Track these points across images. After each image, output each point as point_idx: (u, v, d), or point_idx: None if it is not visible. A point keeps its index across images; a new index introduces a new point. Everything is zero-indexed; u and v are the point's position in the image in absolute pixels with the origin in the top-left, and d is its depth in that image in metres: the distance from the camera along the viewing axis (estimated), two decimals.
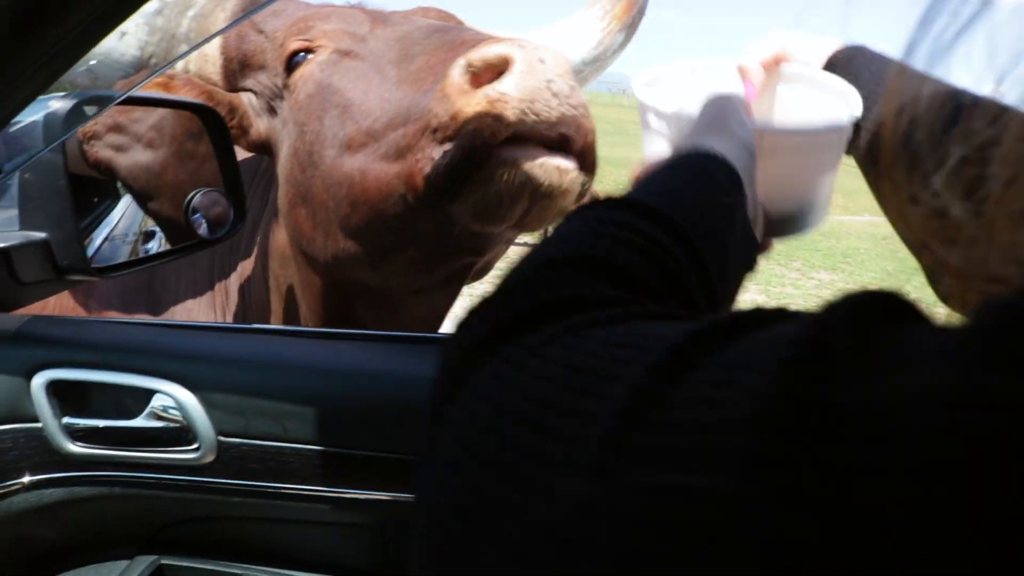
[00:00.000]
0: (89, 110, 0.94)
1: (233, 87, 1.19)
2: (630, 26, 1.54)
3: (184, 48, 1.13)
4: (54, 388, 0.92)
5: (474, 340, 0.31)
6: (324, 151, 1.02)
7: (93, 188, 1.17)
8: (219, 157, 1.12)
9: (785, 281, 6.61)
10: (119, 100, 0.94)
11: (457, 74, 0.87)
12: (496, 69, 0.86)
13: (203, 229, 1.16)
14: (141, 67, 1.15)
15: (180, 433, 0.91)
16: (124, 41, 1.15)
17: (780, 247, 0.90)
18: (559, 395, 0.25)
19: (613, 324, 0.28)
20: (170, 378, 0.90)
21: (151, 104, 1.09)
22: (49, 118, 0.91)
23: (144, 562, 1.02)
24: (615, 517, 0.20)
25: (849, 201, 10.97)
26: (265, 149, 1.21)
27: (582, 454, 0.22)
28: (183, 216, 1.13)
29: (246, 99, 1.18)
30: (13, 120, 0.78)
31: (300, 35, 1.10)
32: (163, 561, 1.02)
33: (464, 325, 0.33)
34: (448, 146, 0.87)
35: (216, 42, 1.15)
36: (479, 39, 0.93)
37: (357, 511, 0.93)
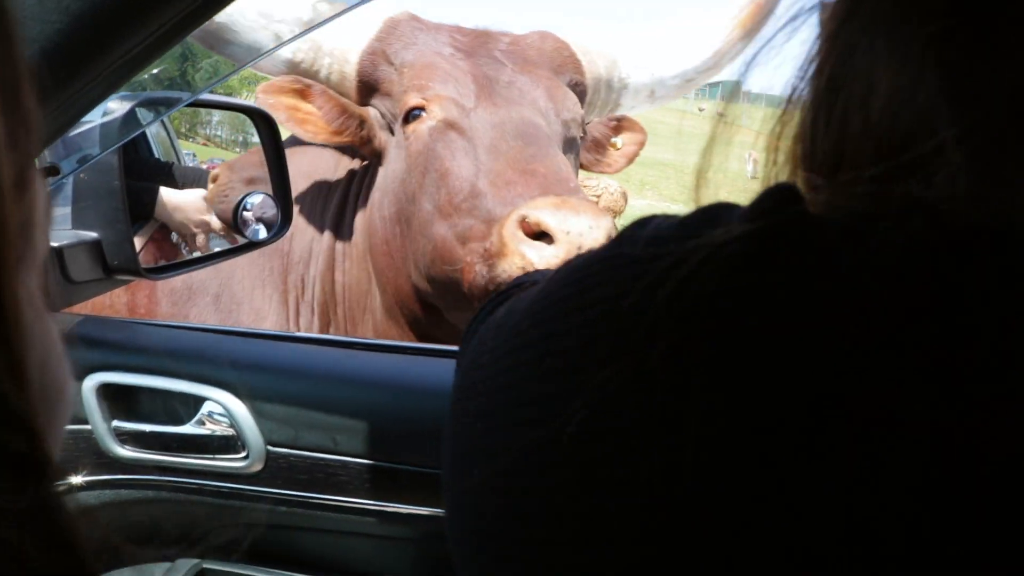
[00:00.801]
0: (144, 115, 0.93)
1: (363, 104, 1.40)
2: (751, 31, 1.50)
3: (327, 61, 1.36)
4: (104, 391, 0.92)
5: (479, 310, 0.44)
6: (423, 201, 1.24)
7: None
8: (269, 161, 1.12)
9: None
10: (184, 103, 0.94)
11: (513, 222, 1.05)
12: (543, 230, 1.03)
13: (250, 231, 1.16)
14: (291, 69, 1.36)
15: (229, 441, 0.91)
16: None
17: None
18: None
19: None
20: (221, 386, 0.90)
21: (208, 106, 1.09)
22: (106, 120, 0.90)
23: (185, 566, 1.01)
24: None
25: None
26: (379, 158, 1.39)
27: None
28: (232, 220, 1.13)
29: (373, 114, 1.38)
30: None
31: (419, 92, 1.28)
32: (204, 566, 1.02)
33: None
34: (489, 271, 1.09)
35: (355, 65, 1.37)
36: (549, 175, 1.12)
37: (403, 525, 0.93)
